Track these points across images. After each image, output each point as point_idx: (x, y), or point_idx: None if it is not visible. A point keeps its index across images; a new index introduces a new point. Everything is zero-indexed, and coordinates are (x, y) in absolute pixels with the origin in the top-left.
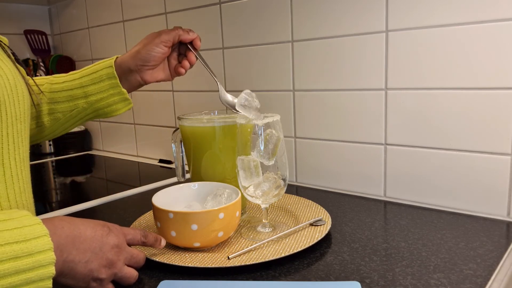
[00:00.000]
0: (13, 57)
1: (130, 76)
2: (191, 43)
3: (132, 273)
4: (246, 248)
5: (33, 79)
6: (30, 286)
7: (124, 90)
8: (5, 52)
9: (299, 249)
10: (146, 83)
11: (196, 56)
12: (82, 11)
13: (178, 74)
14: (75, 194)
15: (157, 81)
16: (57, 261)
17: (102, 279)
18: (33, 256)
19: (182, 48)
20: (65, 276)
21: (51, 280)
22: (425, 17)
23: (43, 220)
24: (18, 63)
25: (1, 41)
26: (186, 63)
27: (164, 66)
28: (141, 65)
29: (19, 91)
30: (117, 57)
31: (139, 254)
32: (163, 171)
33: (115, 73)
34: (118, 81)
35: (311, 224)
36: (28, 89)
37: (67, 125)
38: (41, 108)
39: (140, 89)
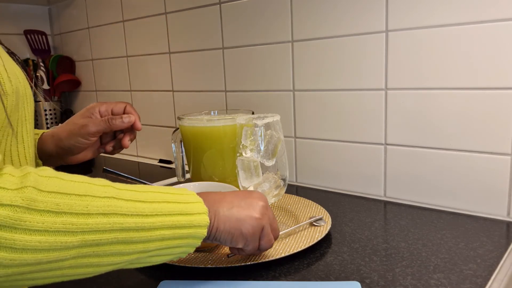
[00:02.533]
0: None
1: (50, 158)
2: (130, 129)
3: (272, 239)
4: None
5: None
6: (182, 241)
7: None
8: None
9: (299, 249)
10: (69, 164)
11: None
12: (82, 11)
13: (108, 152)
14: None
15: (82, 161)
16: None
17: (253, 228)
18: (191, 228)
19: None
20: (217, 230)
21: (205, 229)
22: (425, 17)
23: (201, 194)
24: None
25: (3, 44)
26: (125, 143)
27: (92, 147)
28: (63, 153)
29: (27, 93)
30: (45, 131)
31: (278, 228)
32: (163, 171)
33: (35, 153)
34: (36, 162)
35: (312, 224)
36: (34, 92)
37: None
38: None
39: (140, 89)
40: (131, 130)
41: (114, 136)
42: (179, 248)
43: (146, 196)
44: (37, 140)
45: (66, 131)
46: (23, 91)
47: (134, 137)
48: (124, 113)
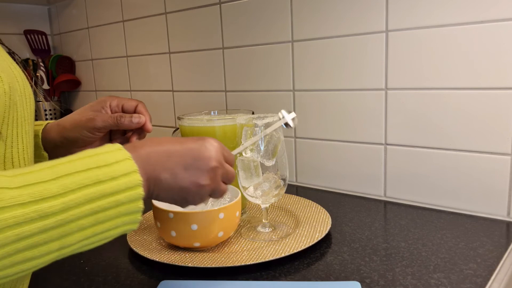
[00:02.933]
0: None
1: (54, 149)
2: (140, 128)
3: (225, 189)
4: (245, 246)
5: None
6: (121, 208)
7: (45, 154)
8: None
9: (299, 249)
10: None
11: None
12: (82, 11)
13: None
14: None
15: None
16: (142, 179)
17: (200, 196)
18: (117, 180)
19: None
20: (157, 195)
21: (142, 200)
22: (425, 17)
23: (125, 146)
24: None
25: (4, 43)
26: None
27: (100, 140)
28: (68, 144)
29: (27, 93)
30: (50, 122)
31: (233, 170)
32: None
33: (40, 132)
34: (40, 143)
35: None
36: (34, 91)
37: None
38: None
39: (140, 89)
40: (140, 130)
41: (124, 133)
42: (117, 219)
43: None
44: (40, 131)
45: (72, 122)
46: (22, 91)
47: (144, 137)
48: (135, 112)
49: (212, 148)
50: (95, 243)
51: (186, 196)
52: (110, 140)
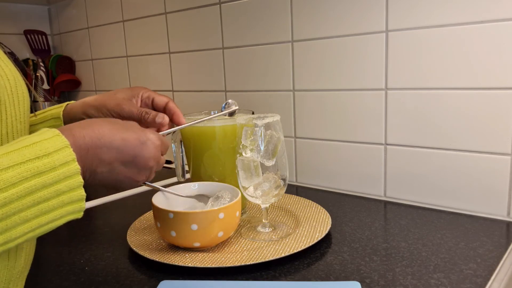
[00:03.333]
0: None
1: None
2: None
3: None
4: (245, 246)
5: None
6: (63, 197)
7: None
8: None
9: (299, 249)
10: None
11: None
12: (82, 11)
13: None
14: None
15: None
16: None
17: (131, 187)
18: (57, 170)
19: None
20: (90, 183)
21: (83, 188)
22: (425, 17)
23: (63, 130)
24: (17, 63)
25: (2, 43)
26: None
27: None
28: (98, 116)
29: (19, 91)
30: (71, 102)
31: (163, 159)
32: (163, 171)
33: (61, 113)
34: (62, 123)
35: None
36: (29, 89)
37: None
38: None
39: None
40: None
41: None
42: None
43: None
44: (61, 113)
45: (99, 102)
46: (12, 89)
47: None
48: (165, 109)
49: (152, 147)
50: (42, 233)
51: (118, 186)
52: None
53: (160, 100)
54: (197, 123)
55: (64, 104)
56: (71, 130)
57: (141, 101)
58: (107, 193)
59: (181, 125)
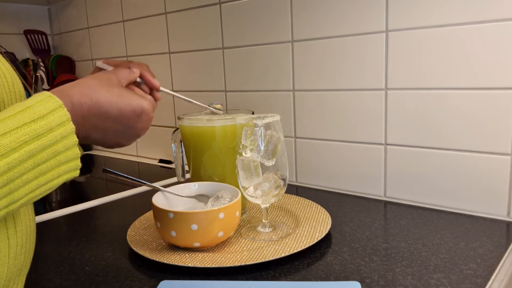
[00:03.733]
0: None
1: None
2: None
3: None
4: (245, 246)
5: None
6: (59, 157)
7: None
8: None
9: (299, 249)
10: None
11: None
12: (82, 11)
13: None
14: (75, 194)
15: None
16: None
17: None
18: (54, 131)
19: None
20: (83, 142)
21: (77, 147)
22: (425, 17)
23: (60, 93)
24: (15, 64)
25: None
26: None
27: None
28: None
29: (16, 89)
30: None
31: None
32: (163, 171)
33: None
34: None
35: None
36: (26, 88)
37: None
38: None
39: None
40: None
41: None
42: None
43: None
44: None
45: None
46: (10, 87)
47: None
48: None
49: (146, 119)
50: (41, 194)
51: (105, 145)
52: None
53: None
54: (178, 96)
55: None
56: (68, 95)
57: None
58: (107, 193)
59: (155, 87)
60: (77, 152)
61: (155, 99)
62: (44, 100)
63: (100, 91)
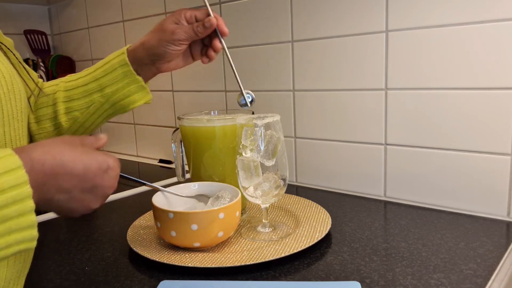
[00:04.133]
0: (15, 59)
1: (144, 67)
2: (215, 30)
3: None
4: (245, 246)
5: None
6: (11, 223)
7: (139, 78)
8: (3, 52)
9: (299, 249)
10: (162, 72)
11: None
12: (82, 11)
13: (202, 61)
14: None
15: (177, 69)
16: (33, 195)
17: (82, 214)
18: (6, 192)
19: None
20: (42, 209)
21: (34, 213)
22: (425, 17)
23: (21, 153)
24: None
25: (1, 42)
26: (211, 53)
27: (183, 56)
28: (156, 59)
29: (15, 89)
30: (130, 46)
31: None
32: (163, 171)
33: (127, 60)
34: (131, 69)
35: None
36: (27, 86)
37: (87, 125)
38: (57, 108)
39: None
40: (216, 36)
41: (204, 45)
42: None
43: None
44: (126, 59)
45: (156, 39)
46: (8, 87)
47: (218, 48)
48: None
49: (113, 175)
50: None
51: (70, 213)
52: (191, 53)
53: (201, 13)
54: None
55: (123, 49)
56: (29, 154)
57: (187, 21)
58: None
59: (223, 32)
60: (33, 219)
61: (215, 49)
62: (3, 158)
63: (64, 149)
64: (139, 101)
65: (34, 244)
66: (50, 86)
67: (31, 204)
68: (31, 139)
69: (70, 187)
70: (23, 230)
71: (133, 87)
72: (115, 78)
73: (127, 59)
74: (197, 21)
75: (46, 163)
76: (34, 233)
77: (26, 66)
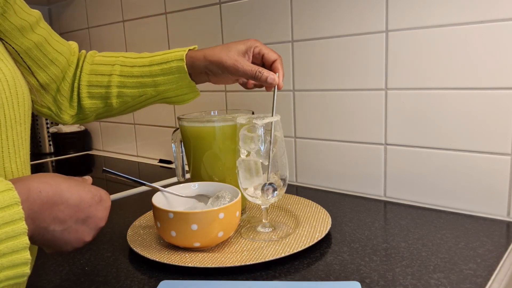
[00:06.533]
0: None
1: (198, 74)
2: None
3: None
4: (245, 246)
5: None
6: (3, 260)
7: (193, 83)
8: (7, 50)
9: (299, 249)
10: (212, 83)
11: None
12: (82, 11)
13: (245, 85)
14: None
15: (223, 84)
16: (28, 228)
17: (74, 248)
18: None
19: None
20: (36, 241)
21: (28, 251)
22: (425, 17)
23: (18, 182)
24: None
25: (6, 41)
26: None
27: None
28: (210, 74)
29: (19, 92)
30: (189, 50)
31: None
32: (163, 171)
33: (186, 68)
34: (188, 76)
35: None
36: (30, 89)
37: (136, 107)
38: (110, 90)
39: None
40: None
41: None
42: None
43: None
44: (184, 56)
45: (218, 60)
46: (12, 91)
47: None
48: (271, 67)
49: (106, 206)
50: None
51: (62, 247)
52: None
53: (270, 57)
54: None
55: (183, 55)
56: (27, 184)
57: (253, 56)
58: None
59: (278, 87)
60: (27, 257)
61: (266, 87)
62: (2, 193)
63: (59, 180)
64: (189, 99)
65: (23, 280)
66: (107, 58)
67: (25, 241)
68: (82, 112)
69: (65, 217)
70: (16, 267)
71: (186, 89)
72: (170, 80)
73: (185, 67)
74: (262, 60)
75: (43, 191)
76: (26, 270)
77: (58, 37)
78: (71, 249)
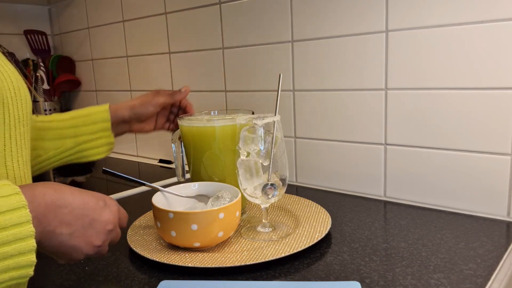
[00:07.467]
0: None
1: (120, 124)
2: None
3: (107, 250)
4: (245, 246)
5: None
6: (9, 261)
7: (112, 136)
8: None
9: (299, 249)
10: (132, 132)
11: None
12: (82, 11)
13: (163, 129)
14: None
15: (142, 132)
16: (35, 231)
17: (85, 254)
18: (7, 230)
19: (174, 107)
20: (45, 247)
21: (34, 253)
22: (425, 17)
23: (24, 187)
24: (17, 65)
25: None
26: (173, 126)
27: (152, 120)
28: (134, 118)
29: (22, 93)
30: (110, 105)
31: (120, 233)
32: (163, 171)
33: (109, 117)
34: (110, 126)
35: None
36: (29, 89)
37: (43, 165)
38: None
39: (140, 89)
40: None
41: (168, 119)
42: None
43: None
44: (107, 110)
45: (141, 101)
46: (16, 91)
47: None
48: (179, 103)
49: (112, 210)
50: None
51: (73, 253)
52: (156, 121)
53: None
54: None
55: (106, 106)
56: (32, 188)
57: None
58: (107, 193)
59: (190, 110)
60: (32, 259)
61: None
62: (9, 196)
63: (63, 187)
64: (102, 154)
65: (24, 280)
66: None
67: (32, 243)
68: None
69: (71, 220)
70: (21, 269)
71: (104, 141)
72: (92, 129)
73: (109, 116)
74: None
75: (47, 194)
76: (30, 272)
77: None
78: (82, 256)
